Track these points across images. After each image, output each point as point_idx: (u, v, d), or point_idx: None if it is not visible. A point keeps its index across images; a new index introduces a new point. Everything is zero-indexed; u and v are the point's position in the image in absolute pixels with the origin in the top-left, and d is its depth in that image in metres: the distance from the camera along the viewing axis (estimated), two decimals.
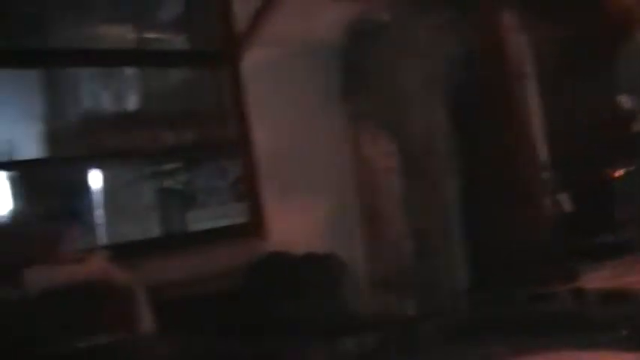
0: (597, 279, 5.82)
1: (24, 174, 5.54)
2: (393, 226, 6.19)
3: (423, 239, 6.18)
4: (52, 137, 5.28)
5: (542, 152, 6.27)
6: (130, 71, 6.13)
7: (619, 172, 6.16)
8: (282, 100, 5.85)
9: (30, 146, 5.47)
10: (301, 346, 5.15)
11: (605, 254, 6.22)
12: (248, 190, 5.81)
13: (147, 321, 4.26)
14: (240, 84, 5.74)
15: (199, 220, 6.31)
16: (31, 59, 5.03)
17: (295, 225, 5.78)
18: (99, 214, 6.24)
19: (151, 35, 6.20)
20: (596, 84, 6.25)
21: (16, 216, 5.66)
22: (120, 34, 6.04)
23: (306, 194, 5.96)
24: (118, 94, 6.08)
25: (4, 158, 5.28)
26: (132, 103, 6.31)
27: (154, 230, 5.85)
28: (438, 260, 6.27)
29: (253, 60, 5.80)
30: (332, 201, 6.15)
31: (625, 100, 5.54)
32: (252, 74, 5.79)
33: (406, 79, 6.15)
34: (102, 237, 6.08)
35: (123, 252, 5.01)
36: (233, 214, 6.00)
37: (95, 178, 6.18)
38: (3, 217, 5.59)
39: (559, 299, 5.80)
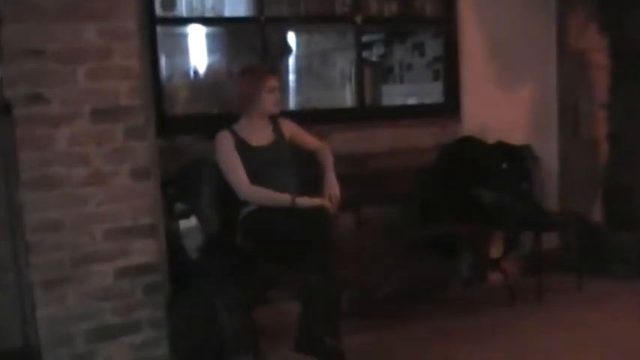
0: None
1: (229, 31, 5.65)
2: (593, 127, 5.89)
3: (622, 147, 5.84)
4: None
5: None
6: None
7: None
8: None
9: (237, 5, 5.55)
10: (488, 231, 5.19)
11: None
12: (447, 71, 5.68)
13: (333, 188, 4.31)
14: None
15: (394, 95, 6.24)
16: None
17: (491, 112, 5.64)
18: (295, 78, 6.31)
19: None
20: None
21: (217, 70, 5.82)
22: None
23: (506, 83, 5.76)
24: None
25: (212, 14, 5.40)
26: None
27: (347, 100, 5.83)
28: (635, 171, 5.91)
29: None
30: (532, 93, 5.93)
31: None
32: None
33: None
34: (296, 101, 6.16)
35: (315, 118, 5.07)
36: (429, 93, 5.87)
37: (294, 43, 6.21)
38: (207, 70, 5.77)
39: None
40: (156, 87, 4.50)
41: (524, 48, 5.83)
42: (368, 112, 5.48)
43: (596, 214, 5.89)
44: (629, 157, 5.84)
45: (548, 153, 5.88)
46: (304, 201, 4.12)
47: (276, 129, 4.45)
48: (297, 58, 6.26)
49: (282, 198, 4.12)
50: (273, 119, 4.46)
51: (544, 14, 5.94)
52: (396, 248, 4.90)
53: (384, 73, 6.29)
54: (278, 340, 4.03)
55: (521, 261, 5.50)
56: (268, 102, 4.32)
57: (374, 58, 6.29)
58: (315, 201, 4.15)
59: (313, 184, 4.34)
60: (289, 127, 4.52)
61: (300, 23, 5.71)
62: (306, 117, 4.95)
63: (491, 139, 5.42)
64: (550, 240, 5.63)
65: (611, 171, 5.87)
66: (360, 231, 5.02)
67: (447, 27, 5.61)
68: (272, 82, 4.32)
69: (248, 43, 5.18)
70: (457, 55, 5.62)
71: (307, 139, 4.56)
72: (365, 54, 5.81)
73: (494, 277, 5.39)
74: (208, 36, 5.72)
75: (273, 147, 4.36)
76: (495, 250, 5.43)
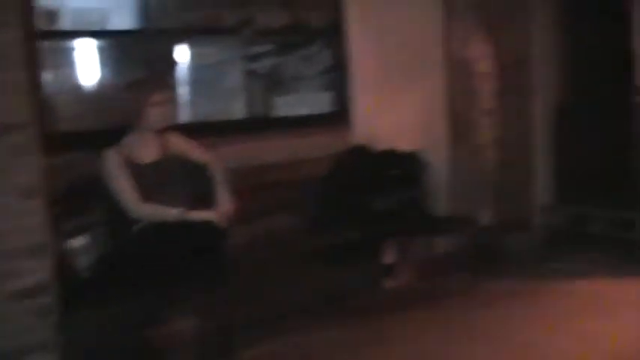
0: None
1: (115, 44, 5.55)
2: (479, 133, 6.07)
3: (508, 151, 6.05)
4: (144, 9, 5.21)
5: None
6: None
7: None
8: None
9: (122, 17, 5.45)
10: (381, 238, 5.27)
11: None
12: (336, 80, 5.74)
13: (224, 201, 4.29)
14: None
15: (284, 106, 6.25)
16: None
17: (380, 121, 5.73)
18: (184, 90, 6.23)
19: None
20: None
21: (104, 85, 5.70)
22: None
23: (395, 91, 5.87)
24: None
25: (97, 27, 5.29)
26: None
27: (238, 112, 5.81)
28: (522, 173, 6.14)
29: None
30: (421, 101, 6.05)
31: None
32: None
33: None
34: (185, 114, 6.09)
35: (205, 131, 5.03)
36: (319, 104, 5.92)
37: (183, 54, 6.15)
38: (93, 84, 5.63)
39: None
40: (41, 102, 4.37)
41: (413, 57, 5.95)
42: (259, 124, 5.49)
43: (487, 216, 6.07)
44: (515, 162, 6.06)
45: (438, 159, 6.01)
46: (196, 215, 4.09)
47: (165, 144, 4.40)
48: (187, 70, 6.19)
49: (173, 213, 4.08)
50: (162, 134, 4.40)
51: (431, 24, 6.08)
52: (292, 260, 4.91)
53: (274, 84, 6.29)
54: None
55: (414, 266, 5.61)
56: (154, 116, 4.27)
57: (264, 70, 6.29)
58: (207, 215, 4.13)
59: (206, 198, 4.32)
60: (178, 142, 4.48)
61: (187, 35, 5.66)
62: (197, 130, 4.91)
63: (382, 146, 5.51)
64: (443, 244, 5.75)
65: (498, 175, 6.06)
66: (256, 243, 5.01)
67: (335, 37, 5.68)
68: (157, 97, 4.28)
69: (135, 57, 5.11)
70: (346, 65, 5.69)
71: (197, 153, 4.53)
72: (255, 65, 5.80)
73: (389, 283, 5.47)
74: (95, 49, 5.59)
75: (161, 162, 4.31)
76: (389, 257, 5.52)
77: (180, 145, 4.48)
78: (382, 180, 5.28)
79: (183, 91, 6.18)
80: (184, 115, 5.99)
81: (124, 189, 4.12)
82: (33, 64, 4.22)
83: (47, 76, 4.70)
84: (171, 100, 4.52)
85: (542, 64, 6.31)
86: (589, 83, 6.29)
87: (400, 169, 5.37)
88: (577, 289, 5.33)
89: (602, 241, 6.04)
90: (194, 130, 4.82)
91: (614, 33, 6.01)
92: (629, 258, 5.71)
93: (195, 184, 4.40)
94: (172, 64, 5.88)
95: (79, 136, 4.80)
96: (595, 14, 6.18)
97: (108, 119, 5.16)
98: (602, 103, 6.15)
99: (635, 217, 5.83)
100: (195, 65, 6.28)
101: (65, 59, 5.41)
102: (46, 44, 4.58)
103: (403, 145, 5.58)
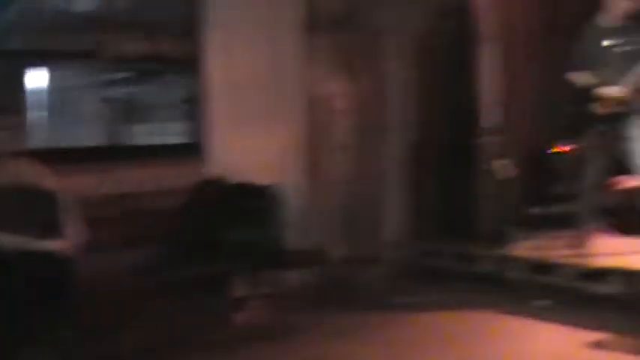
0: (525, 248, 5.93)
1: None
2: (334, 168, 6.19)
3: (363, 187, 6.20)
4: None
5: (491, 117, 6.30)
6: None
7: (562, 148, 6.20)
8: (242, 25, 5.73)
9: None
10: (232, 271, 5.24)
11: (537, 225, 6.32)
12: (193, 112, 5.72)
13: (76, 230, 4.17)
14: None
15: (140, 135, 6.18)
16: None
17: (236, 153, 5.73)
18: (37, 115, 6.05)
19: None
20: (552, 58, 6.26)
21: None
22: None
23: (252, 125, 5.90)
24: None
25: None
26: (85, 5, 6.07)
27: (92, 139, 5.69)
28: (375, 209, 6.30)
29: None
30: (277, 135, 6.10)
31: (575, 77, 5.55)
32: None
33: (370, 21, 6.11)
34: (38, 139, 5.90)
35: (57, 157, 4.89)
36: (175, 134, 5.88)
37: (37, 78, 5.97)
38: None
39: (486, 262, 5.88)
40: None
41: (272, 92, 6.00)
42: (114, 152, 5.39)
43: (340, 251, 6.16)
44: (369, 197, 6.21)
45: (293, 193, 6.05)
46: (38, 245, 3.95)
47: (12, 170, 4.23)
48: (41, 94, 6.01)
49: (18, 242, 3.93)
50: (9, 160, 4.24)
51: (291, 60, 6.15)
52: (138, 295, 4.82)
53: (131, 112, 6.21)
54: None
55: (265, 300, 5.61)
56: None
57: (121, 97, 6.20)
58: (52, 245, 4.00)
59: (53, 228, 4.18)
60: (27, 168, 4.32)
61: (41, 58, 5.50)
62: (49, 156, 4.75)
63: (237, 179, 5.50)
64: (295, 278, 5.79)
65: (351, 210, 6.19)
66: (102, 277, 4.88)
67: (193, 69, 5.67)
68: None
69: None
70: (203, 97, 5.67)
71: (46, 180, 4.38)
72: (111, 92, 5.72)
73: (239, 318, 5.44)
74: None
75: (8, 189, 4.14)
76: (239, 291, 5.49)
77: (29, 171, 4.32)
78: (236, 213, 5.28)
79: (35, 116, 6.00)
80: (36, 141, 5.81)
81: None
82: None
83: None
84: (18, 125, 4.36)
85: (399, 103, 6.51)
86: (441, 123, 6.53)
87: (254, 202, 5.39)
88: (423, 320, 5.47)
89: (450, 274, 6.25)
90: (46, 156, 4.66)
91: (464, 77, 6.31)
92: (474, 290, 5.92)
93: (42, 213, 4.24)
94: (21, 87, 5.71)
95: None
96: (449, 59, 6.45)
97: None
98: (453, 142, 6.41)
99: (478, 252, 6.07)
100: (50, 89, 6.12)
101: None
102: None
103: (258, 178, 5.59)
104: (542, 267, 5.48)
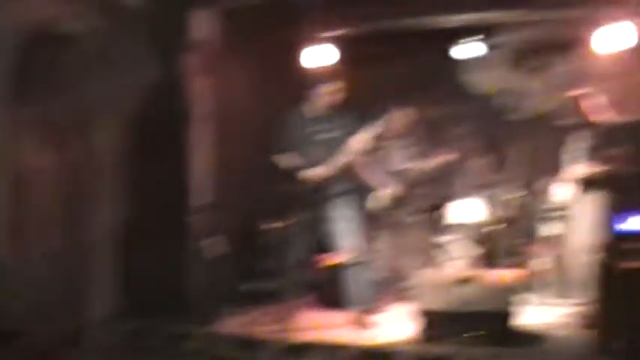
0: (235, 324, 6.03)
1: None
2: (41, 241, 5.93)
3: (69, 261, 5.99)
4: None
5: (202, 195, 6.43)
6: None
7: (274, 225, 6.43)
8: None
9: None
10: None
11: (247, 301, 6.47)
12: None
13: None
14: None
15: None
16: None
17: None
18: None
19: None
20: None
21: None
22: None
23: None
24: None
25: None
26: None
27: None
28: (80, 285, 6.09)
29: None
30: None
31: (279, 160, 5.90)
32: None
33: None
34: None
35: None
36: None
37: None
38: None
39: (197, 341, 5.89)
40: None
41: None
42: None
43: (39, 330, 5.83)
44: (74, 272, 6.00)
45: None
46: None
47: None
48: None
49: None
50: None
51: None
52: None
53: None
54: None
55: None
56: None
57: None
58: None
59: None
60: None
61: None
62: None
63: None
64: None
65: (54, 286, 5.91)
66: None
67: None
68: None
69: None
70: None
71: None
72: None
73: None
74: None
75: None
76: None
77: None
78: None
79: None
80: None
81: None
82: None
83: None
84: None
85: (110, 175, 6.41)
86: (152, 198, 6.50)
87: None
88: None
89: (161, 354, 6.16)
90: None
91: (176, 154, 6.40)
92: None
93: None
94: None
95: None
96: (160, 135, 6.49)
97: None
98: (165, 217, 6.40)
99: (188, 330, 6.05)
100: None
101: None
102: None
103: None
104: (249, 343, 5.56)
